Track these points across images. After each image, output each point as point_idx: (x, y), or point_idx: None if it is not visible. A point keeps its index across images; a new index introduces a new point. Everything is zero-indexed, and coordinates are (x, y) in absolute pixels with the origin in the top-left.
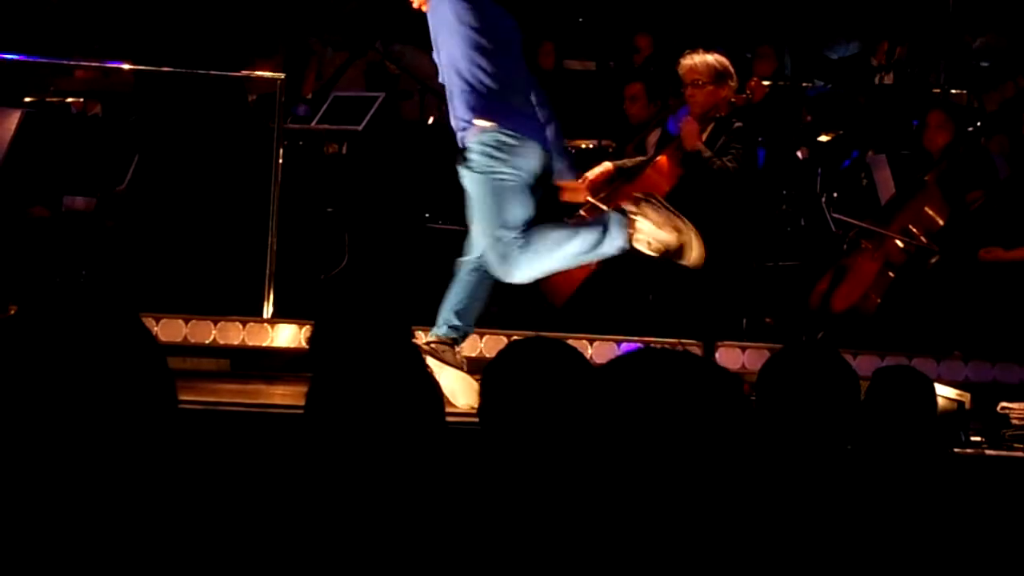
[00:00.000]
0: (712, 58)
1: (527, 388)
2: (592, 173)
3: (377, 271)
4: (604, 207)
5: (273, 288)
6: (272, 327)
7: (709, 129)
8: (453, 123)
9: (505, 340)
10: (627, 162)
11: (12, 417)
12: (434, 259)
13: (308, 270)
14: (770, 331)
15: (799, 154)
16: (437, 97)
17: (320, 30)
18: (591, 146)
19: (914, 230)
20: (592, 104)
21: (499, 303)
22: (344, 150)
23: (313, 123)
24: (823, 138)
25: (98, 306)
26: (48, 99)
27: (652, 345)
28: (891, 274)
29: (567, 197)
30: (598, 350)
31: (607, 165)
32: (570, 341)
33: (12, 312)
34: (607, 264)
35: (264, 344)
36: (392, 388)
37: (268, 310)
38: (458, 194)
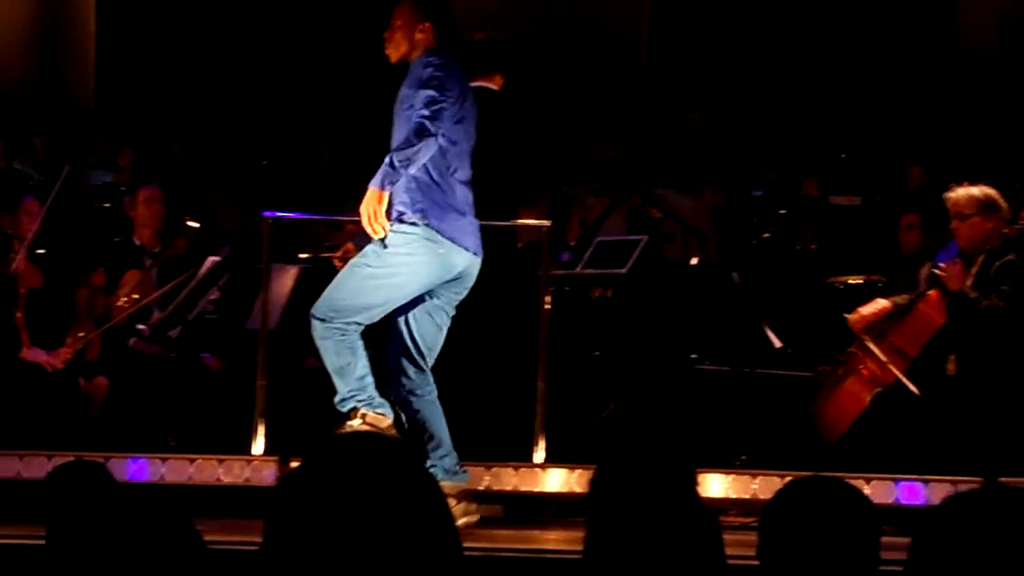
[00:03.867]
0: (977, 190)
1: (809, 529)
2: (867, 309)
3: (648, 414)
4: (876, 349)
5: (544, 433)
6: (544, 472)
7: (979, 261)
8: None
9: (779, 480)
10: (900, 300)
11: (306, 569)
12: (701, 401)
13: (577, 414)
14: None
15: None
16: (699, 238)
17: (581, 178)
18: (860, 282)
19: None
20: (859, 239)
21: (769, 442)
22: (610, 294)
23: (578, 268)
24: None
25: (383, 456)
26: (322, 254)
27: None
28: None
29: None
30: (875, 489)
31: (884, 303)
32: (846, 480)
33: (294, 465)
34: (881, 400)
35: (536, 489)
36: (674, 536)
37: (540, 455)
38: (724, 335)
